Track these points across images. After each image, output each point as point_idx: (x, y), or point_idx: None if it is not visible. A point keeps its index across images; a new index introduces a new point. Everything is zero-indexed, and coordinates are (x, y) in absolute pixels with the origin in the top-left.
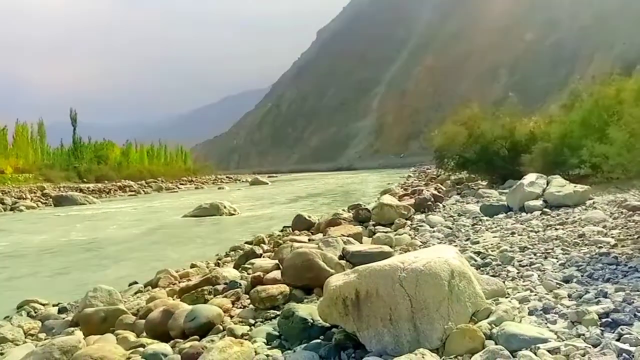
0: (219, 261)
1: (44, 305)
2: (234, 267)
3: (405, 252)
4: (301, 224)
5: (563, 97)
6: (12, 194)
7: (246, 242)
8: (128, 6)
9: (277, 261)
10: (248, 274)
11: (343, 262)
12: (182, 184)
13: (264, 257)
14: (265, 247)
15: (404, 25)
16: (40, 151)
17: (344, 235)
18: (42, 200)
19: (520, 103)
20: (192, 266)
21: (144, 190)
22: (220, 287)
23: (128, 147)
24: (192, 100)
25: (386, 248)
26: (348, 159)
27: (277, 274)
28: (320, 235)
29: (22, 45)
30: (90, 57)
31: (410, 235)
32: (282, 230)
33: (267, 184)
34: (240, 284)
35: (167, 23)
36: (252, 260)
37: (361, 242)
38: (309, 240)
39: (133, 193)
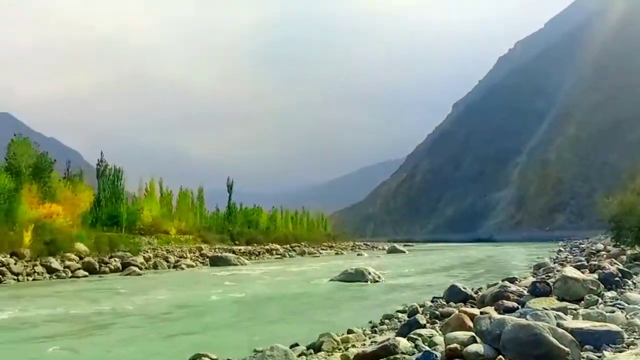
0: (375, 328)
1: None
2: (397, 336)
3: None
4: (455, 295)
5: None
6: (175, 253)
7: (398, 311)
8: (287, 86)
9: (472, 333)
10: (429, 344)
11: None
12: (322, 249)
13: (427, 327)
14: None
15: (544, 96)
16: (200, 215)
17: (546, 309)
18: (200, 260)
19: None
20: (349, 332)
21: (288, 254)
22: (406, 357)
23: (274, 212)
24: (330, 171)
25: (613, 326)
26: (486, 230)
27: (478, 347)
28: (489, 308)
29: (184, 121)
30: (242, 129)
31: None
32: (433, 301)
33: (405, 252)
34: (437, 356)
35: (311, 102)
36: (418, 331)
37: None
38: (481, 312)
39: (279, 256)
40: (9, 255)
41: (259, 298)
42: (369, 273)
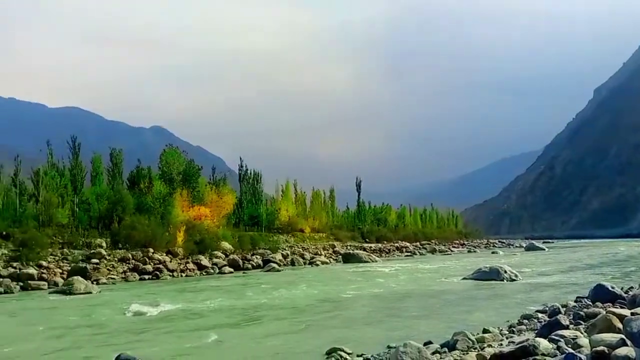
0: (512, 328)
1: (349, 354)
2: (536, 337)
3: None
4: (603, 295)
5: None
6: (310, 251)
7: (538, 311)
8: (400, 89)
9: (622, 335)
10: (568, 345)
11: None
12: (454, 247)
13: (570, 328)
14: (566, 318)
15: None
16: (331, 214)
17: None
18: (333, 257)
19: None
20: (485, 331)
21: (418, 252)
22: (546, 359)
23: (403, 210)
24: (459, 167)
25: None
26: (639, 224)
27: (629, 351)
28: None
29: (321, 127)
30: (370, 128)
31: None
32: (576, 301)
33: (544, 250)
34: (581, 359)
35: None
36: (560, 332)
37: None
38: (632, 314)
39: (409, 254)
40: (165, 254)
41: (394, 294)
42: (505, 271)
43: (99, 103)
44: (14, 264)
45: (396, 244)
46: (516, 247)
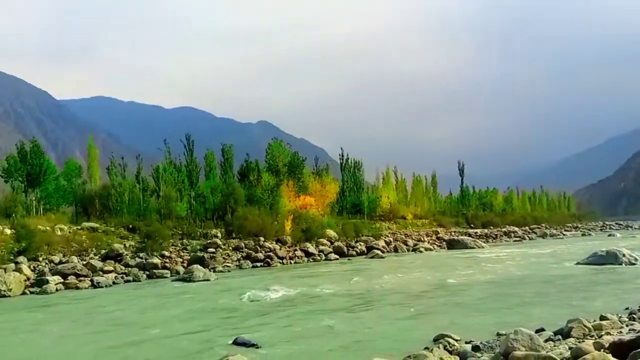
0: (633, 315)
1: (456, 340)
2: None
3: None
4: None
5: None
6: (413, 237)
7: None
8: (507, 70)
9: None
10: None
11: None
12: (566, 230)
13: None
14: None
15: None
16: (434, 199)
17: None
18: (436, 243)
19: None
20: (602, 318)
21: (527, 236)
22: None
23: (510, 193)
24: (569, 146)
25: None
26: None
27: None
28: None
29: (416, 109)
30: (473, 112)
31: None
32: None
33: None
34: None
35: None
36: None
37: None
38: None
39: (517, 239)
40: (274, 242)
41: (503, 280)
42: (623, 255)
43: (209, 102)
44: (140, 255)
45: (503, 229)
46: (635, 229)
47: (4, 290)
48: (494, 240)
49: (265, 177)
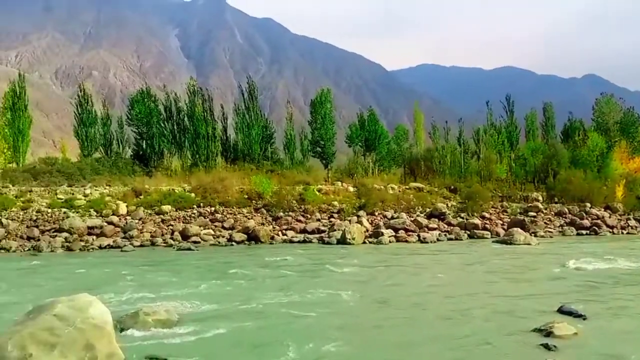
0: None
1: None
2: None
3: None
4: None
5: None
6: None
7: None
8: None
9: None
10: None
11: None
12: None
13: None
14: None
15: None
16: None
17: None
18: None
19: None
20: None
21: None
22: None
23: None
24: None
25: None
26: None
27: None
28: None
29: None
30: None
31: None
32: None
33: None
34: None
35: None
36: None
37: None
38: None
39: None
40: (603, 209)
41: None
42: None
43: (530, 59)
44: (462, 215)
45: None
46: None
47: (349, 239)
48: None
49: (593, 137)
